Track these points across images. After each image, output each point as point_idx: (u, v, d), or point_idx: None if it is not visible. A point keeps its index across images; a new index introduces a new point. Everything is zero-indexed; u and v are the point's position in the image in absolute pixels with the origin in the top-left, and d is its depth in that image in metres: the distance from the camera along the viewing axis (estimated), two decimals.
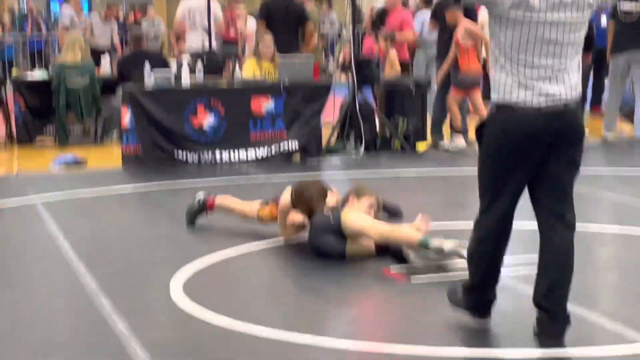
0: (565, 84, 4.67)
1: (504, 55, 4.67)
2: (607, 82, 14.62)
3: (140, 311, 5.41)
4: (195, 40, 14.51)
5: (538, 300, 4.77)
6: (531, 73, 4.64)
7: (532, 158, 4.68)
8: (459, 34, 11.93)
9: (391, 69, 13.33)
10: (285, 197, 6.84)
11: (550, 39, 4.63)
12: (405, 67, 13.87)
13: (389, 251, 6.24)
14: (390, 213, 7.53)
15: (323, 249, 6.40)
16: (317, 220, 6.48)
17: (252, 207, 7.25)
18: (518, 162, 4.69)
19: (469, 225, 7.56)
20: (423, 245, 5.99)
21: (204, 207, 7.51)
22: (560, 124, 4.65)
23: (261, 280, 6.12)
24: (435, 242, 5.97)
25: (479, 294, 4.97)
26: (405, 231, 6.22)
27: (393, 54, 13.46)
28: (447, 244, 5.95)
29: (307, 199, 6.59)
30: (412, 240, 6.07)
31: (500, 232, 4.88)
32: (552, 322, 4.71)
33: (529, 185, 4.80)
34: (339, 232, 6.33)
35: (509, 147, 4.67)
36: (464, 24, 11.95)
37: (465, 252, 5.72)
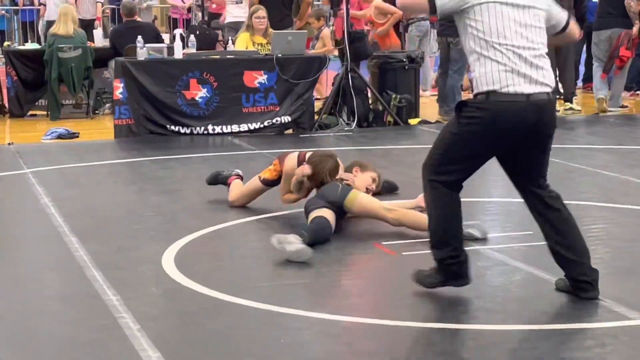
0: (544, 70, 4.76)
1: (486, 43, 4.69)
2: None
3: (132, 283, 5.42)
4: (238, 12, 14.39)
5: (578, 277, 4.90)
6: (516, 58, 4.69)
7: (513, 143, 4.78)
8: (372, 12, 12.28)
9: (322, 47, 13.58)
10: (291, 162, 6.85)
11: (521, 22, 4.71)
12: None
13: None
14: (387, 189, 7.54)
15: (308, 209, 6.44)
16: (326, 187, 6.55)
17: (252, 180, 7.24)
18: (498, 147, 4.81)
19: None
20: None
21: (226, 180, 7.48)
22: (543, 117, 4.75)
23: (252, 253, 6.13)
24: None
25: (453, 264, 4.95)
26: (413, 215, 6.33)
27: (326, 31, 13.59)
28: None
29: (322, 172, 6.62)
30: (422, 223, 6.07)
31: (458, 202, 4.95)
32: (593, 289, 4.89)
33: (510, 173, 4.95)
34: (337, 206, 6.37)
35: (495, 135, 4.74)
36: (375, 2, 12.22)
37: (476, 234, 5.76)
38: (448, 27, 12.58)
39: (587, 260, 4.92)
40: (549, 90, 4.76)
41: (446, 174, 4.85)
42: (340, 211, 6.41)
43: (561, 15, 4.97)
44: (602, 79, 13.13)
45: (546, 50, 4.80)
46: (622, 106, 13.38)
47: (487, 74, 4.70)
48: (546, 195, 4.94)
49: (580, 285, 4.91)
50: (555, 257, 4.97)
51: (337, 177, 6.69)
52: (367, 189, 6.87)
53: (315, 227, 6.15)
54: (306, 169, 6.64)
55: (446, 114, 12.83)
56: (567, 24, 5.00)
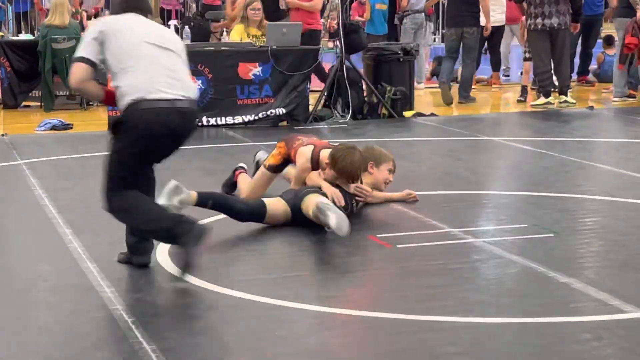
0: (184, 82, 5.31)
1: (126, 64, 5.22)
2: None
3: (126, 275, 5.40)
4: None
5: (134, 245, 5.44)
6: (155, 72, 5.21)
7: (166, 144, 5.30)
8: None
9: None
10: (304, 158, 6.70)
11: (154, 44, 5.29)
12: (315, 36, 13.24)
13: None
14: None
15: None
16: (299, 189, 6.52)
17: (259, 171, 7.09)
18: (155, 148, 5.28)
19: (454, 193, 7.60)
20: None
21: (232, 178, 7.28)
22: (185, 121, 5.28)
23: (247, 246, 6.11)
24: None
25: (181, 224, 5.16)
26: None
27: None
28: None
29: (351, 167, 6.41)
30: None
31: (143, 196, 5.34)
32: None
33: (145, 163, 5.39)
34: (295, 205, 6.30)
35: (151, 138, 5.19)
36: None
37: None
38: (464, 16, 12.98)
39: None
40: (191, 97, 5.29)
41: (124, 189, 5.27)
42: (299, 211, 6.31)
43: None
44: (619, 69, 13.35)
45: (184, 72, 5.35)
46: (630, 96, 13.48)
47: (133, 85, 5.17)
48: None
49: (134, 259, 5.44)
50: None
51: (352, 189, 6.56)
52: (385, 183, 6.80)
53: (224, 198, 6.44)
54: (340, 199, 6.38)
55: (465, 99, 13.35)
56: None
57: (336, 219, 5.81)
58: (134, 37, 5.28)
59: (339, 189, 6.44)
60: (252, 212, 6.29)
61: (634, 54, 13.27)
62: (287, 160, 6.95)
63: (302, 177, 6.71)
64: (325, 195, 6.31)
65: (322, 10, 22.10)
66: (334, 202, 6.27)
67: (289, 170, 7.17)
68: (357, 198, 6.60)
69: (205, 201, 6.20)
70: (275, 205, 6.35)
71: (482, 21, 13.72)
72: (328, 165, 6.47)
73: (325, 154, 6.61)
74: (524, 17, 14.45)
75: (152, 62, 5.23)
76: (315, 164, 6.67)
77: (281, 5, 13.25)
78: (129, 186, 5.28)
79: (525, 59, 13.82)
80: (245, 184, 7.17)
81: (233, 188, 7.28)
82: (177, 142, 5.36)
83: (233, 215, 6.29)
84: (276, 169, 7.01)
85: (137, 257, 5.46)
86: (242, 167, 7.36)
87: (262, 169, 7.07)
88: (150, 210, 5.30)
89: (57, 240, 6.14)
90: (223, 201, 6.31)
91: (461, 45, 13.50)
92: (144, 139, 5.21)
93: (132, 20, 5.39)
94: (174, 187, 6.05)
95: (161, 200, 5.86)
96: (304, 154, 6.77)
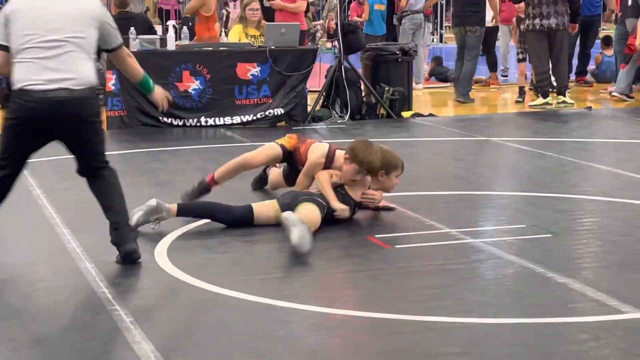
0: (67, 71, 5.34)
1: (16, 55, 5.34)
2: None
3: (124, 275, 5.41)
4: None
5: (116, 241, 5.54)
6: (35, 63, 5.31)
7: (45, 133, 5.46)
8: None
9: None
10: (318, 153, 6.68)
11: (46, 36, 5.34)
12: (301, 37, 13.39)
13: None
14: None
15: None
16: (299, 192, 6.52)
17: (264, 148, 7.03)
18: (34, 136, 5.45)
19: (453, 194, 7.61)
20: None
21: (206, 187, 6.98)
22: (63, 111, 5.35)
23: (246, 246, 6.11)
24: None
25: None
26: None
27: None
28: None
29: (368, 163, 6.38)
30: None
31: (7, 186, 5.64)
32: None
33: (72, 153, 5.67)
34: (287, 206, 6.26)
35: (25, 126, 5.38)
36: None
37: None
38: (466, 16, 13.08)
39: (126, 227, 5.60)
40: (70, 87, 5.31)
41: (3, 162, 5.49)
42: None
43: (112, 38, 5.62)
44: (622, 69, 13.48)
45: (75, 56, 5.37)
46: (628, 96, 13.54)
47: (16, 75, 5.33)
48: (100, 172, 5.73)
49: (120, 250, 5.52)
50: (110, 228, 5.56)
51: (359, 197, 6.54)
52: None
53: (202, 204, 6.54)
54: (345, 212, 6.33)
55: (463, 97, 13.28)
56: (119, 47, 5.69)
57: (298, 235, 5.68)
58: (27, 26, 5.35)
59: (344, 194, 6.46)
60: (237, 220, 6.37)
61: (631, 55, 13.32)
62: (292, 154, 6.93)
63: (312, 173, 6.66)
64: (322, 201, 6.30)
65: (320, 12, 22.19)
66: (331, 211, 6.31)
67: (274, 174, 7.18)
68: (363, 202, 6.60)
69: (186, 214, 6.42)
70: (265, 208, 6.38)
71: (488, 21, 13.87)
72: (347, 159, 6.45)
73: (340, 154, 6.62)
74: (514, 18, 14.55)
75: (35, 53, 5.31)
76: (329, 162, 6.67)
77: (265, 3, 13.24)
78: (7, 158, 5.49)
79: (519, 60, 13.83)
80: (241, 157, 7.07)
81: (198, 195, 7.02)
82: (63, 129, 5.44)
83: (218, 222, 6.39)
84: (286, 152, 6.92)
85: (122, 246, 5.50)
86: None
87: (274, 144, 6.98)
88: None
89: (56, 240, 6.14)
90: (204, 212, 6.44)
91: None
92: (17, 126, 5.40)
93: (33, 2, 5.43)
94: (152, 208, 6.23)
95: (139, 216, 6.09)
96: (319, 148, 6.77)
